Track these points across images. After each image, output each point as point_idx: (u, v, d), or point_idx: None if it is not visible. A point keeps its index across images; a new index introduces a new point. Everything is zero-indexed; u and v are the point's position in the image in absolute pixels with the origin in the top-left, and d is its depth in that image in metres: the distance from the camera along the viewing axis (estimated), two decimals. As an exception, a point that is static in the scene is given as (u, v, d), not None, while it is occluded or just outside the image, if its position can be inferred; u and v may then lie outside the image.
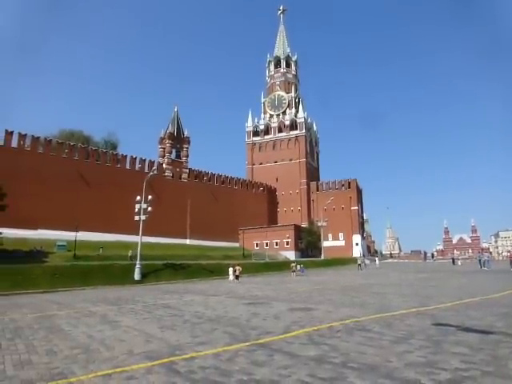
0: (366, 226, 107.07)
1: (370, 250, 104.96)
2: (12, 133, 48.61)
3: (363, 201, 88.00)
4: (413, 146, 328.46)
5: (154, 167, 52.91)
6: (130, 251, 36.15)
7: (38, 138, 51.76)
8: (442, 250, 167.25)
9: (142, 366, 5.13)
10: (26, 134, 50.03)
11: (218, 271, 32.95)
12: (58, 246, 39.33)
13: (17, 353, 6.26)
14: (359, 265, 43.20)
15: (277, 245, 67.06)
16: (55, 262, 31.63)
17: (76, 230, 38.30)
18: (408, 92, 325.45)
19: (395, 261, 76.84)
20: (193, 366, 5.10)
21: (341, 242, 76.28)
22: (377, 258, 54.27)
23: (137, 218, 30.20)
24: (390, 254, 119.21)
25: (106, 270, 27.77)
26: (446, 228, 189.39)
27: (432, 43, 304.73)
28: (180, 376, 4.65)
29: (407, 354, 5.39)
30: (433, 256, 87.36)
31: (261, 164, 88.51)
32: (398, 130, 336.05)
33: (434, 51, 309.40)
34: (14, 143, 48.74)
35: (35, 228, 44.72)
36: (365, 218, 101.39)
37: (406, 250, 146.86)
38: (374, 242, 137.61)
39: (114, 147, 75.36)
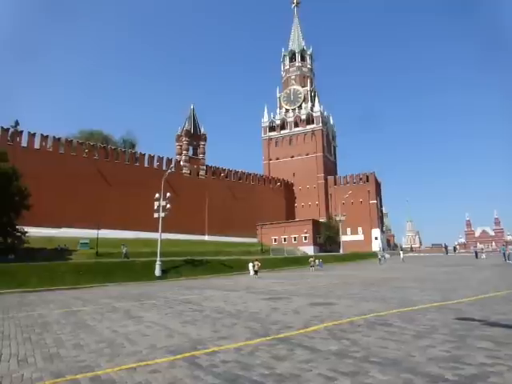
0: (385, 219, 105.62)
1: (390, 244, 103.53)
2: (34, 134, 50.00)
3: (382, 194, 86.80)
4: (432, 136, 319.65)
5: (172, 165, 53.42)
6: (125, 248, 34.58)
7: (59, 138, 53.06)
8: (464, 244, 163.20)
9: (165, 360, 5.24)
10: (47, 136, 51.40)
11: (237, 267, 33.15)
12: (81, 243, 40.34)
13: (46, 346, 6.49)
14: (379, 259, 43.07)
15: (295, 240, 66.87)
16: (79, 259, 32.49)
17: (98, 228, 39.20)
18: (422, 77, 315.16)
19: (416, 254, 75.55)
20: (214, 359, 5.17)
21: (360, 237, 75.48)
22: (401, 252, 53.84)
23: (156, 215, 30.65)
24: (411, 247, 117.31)
25: (127, 267, 28.34)
26: (468, 220, 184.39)
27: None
28: (202, 370, 4.73)
29: (430, 348, 5.32)
30: (455, 249, 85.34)
31: (277, 159, 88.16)
32: (413, 126, 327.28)
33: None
34: (37, 144, 50.18)
35: (59, 227, 45.98)
36: (384, 211, 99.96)
37: (426, 244, 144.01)
38: (393, 236, 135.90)
39: (133, 146, 76.52)
